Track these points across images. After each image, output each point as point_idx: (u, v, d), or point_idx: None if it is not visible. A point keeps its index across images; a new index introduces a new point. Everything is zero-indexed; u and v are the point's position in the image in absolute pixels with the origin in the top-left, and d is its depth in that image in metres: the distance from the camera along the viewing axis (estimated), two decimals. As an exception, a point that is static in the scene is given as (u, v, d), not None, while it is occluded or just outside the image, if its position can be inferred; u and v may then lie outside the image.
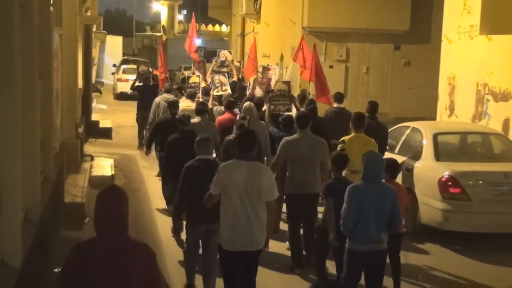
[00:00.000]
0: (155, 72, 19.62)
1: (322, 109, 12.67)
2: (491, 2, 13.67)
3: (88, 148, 16.58)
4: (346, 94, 20.60)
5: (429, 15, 20.79)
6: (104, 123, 20.47)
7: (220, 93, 14.11)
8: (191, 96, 13.47)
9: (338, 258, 7.28)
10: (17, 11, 5.66)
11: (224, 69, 15.76)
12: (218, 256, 6.87)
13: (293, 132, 9.07)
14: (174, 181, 8.62)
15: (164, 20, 63.84)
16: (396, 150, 11.26)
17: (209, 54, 32.87)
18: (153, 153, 11.85)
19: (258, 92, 13.31)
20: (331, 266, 7.92)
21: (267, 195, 6.23)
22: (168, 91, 14.97)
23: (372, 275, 6.60)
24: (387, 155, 11.14)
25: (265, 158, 9.86)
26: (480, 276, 8.65)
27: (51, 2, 9.11)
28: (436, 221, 9.85)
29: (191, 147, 7.56)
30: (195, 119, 10.35)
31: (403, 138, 11.40)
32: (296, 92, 15.64)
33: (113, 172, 13.64)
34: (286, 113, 11.38)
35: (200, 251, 7.62)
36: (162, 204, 11.21)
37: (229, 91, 14.29)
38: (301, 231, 8.68)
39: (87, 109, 19.20)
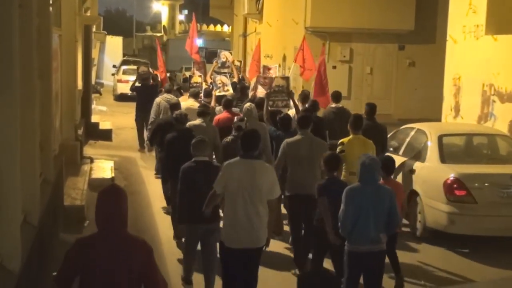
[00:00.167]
0: (155, 72, 19.64)
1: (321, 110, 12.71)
2: (497, 1, 13.67)
3: (88, 150, 16.59)
4: (350, 95, 20.67)
5: (434, 15, 20.77)
6: (104, 125, 20.49)
7: (222, 93, 14.15)
8: (195, 95, 13.65)
9: (337, 261, 7.33)
10: (16, 12, 5.67)
11: (225, 70, 15.81)
12: (218, 255, 7.07)
13: (291, 131, 9.41)
14: (173, 181, 8.73)
15: (164, 20, 63.98)
16: (401, 152, 11.28)
17: (210, 55, 32.87)
18: (153, 153, 11.89)
19: (261, 92, 13.33)
20: (329, 267, 7.93)
21: (268, 193, 6.45)
22: (168, 91, 15.04)
23: (371, 276, 6.70)
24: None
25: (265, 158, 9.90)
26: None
27: (50, 2, 9.12)
28: (442, 224, 9.85)
29: (189, 146, 7.74)
30: (197, 121, 10.43)
31: (407, 139, 11.40)
32: (297, 92, 15.65)
33: (113, 175, 13.66)
34: (284, 111, 11.47)
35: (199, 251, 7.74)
36: (163, 205, 11.27)
37: (231, 91, 14.35)
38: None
39: (86, 111, 19.21)
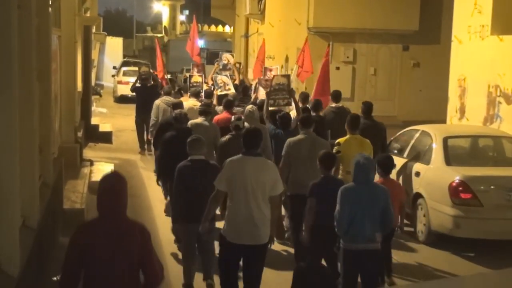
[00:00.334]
0: (155, 73, 19.69)
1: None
2: (503, 1, 13.66)
3: (88, 153, 16.60)
4: (353, 96, 20.63)
5: (438, 15, 20.75)
6: (104, 127, 20.50)
7: (224, 92, 14.24)
8: (196, 95, 13.76)
9: (330, 262, 7.50)
10: (15, 12, 5.68)
11: (226, 73, 15.89)
12: (215, 253, 7.41)
13: (290, 130, 9.72)
14: (171, 180, 8.78)
15: (165, 20, 64.03)
16: (405, 154, 11.28)
17: (211, 56, 32.86)
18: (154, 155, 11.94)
19: (263, 95, 13.37)
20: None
21: (271, 190, 6.62)
22: (167, 93, 15.08)
23: (367, 275, 6.80)
24: (395, 159, 11.18)
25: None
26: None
27: (50, 3, 9.13)
28: (447, 228, 9.84)
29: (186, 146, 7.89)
30: (199, 120, 10.61)
31: (412, 141, 11.40)
32: (299, 93, 15.70)
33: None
34: (286, 110, 11.55)
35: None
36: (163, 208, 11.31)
37: (233, 90, 14.42)
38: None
39: (86, 113, 19.23)
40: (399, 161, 11.20)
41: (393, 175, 10.70)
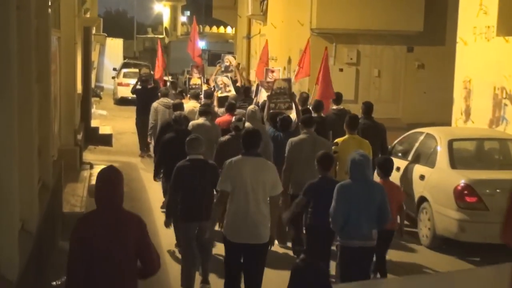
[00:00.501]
0: (156, 77, 19.75)
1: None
2: (509, 2, 13.64)
3: (87, 156, 16.62)
4: (357, 99, 20.59)
5: (443, 16, 20.73)
6: (104, 130, 20.51)
7: (225, 94, 14.29)
8: (195, 97, 13.85)
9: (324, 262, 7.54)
10: (14, 13, 5.69)
11: (228, 75, 15.94)
12: (211, 252, 7.80)
13: (290, 132, 9.95)
14: (168, 182, 8.94)
15: (166, 21, 63.96)
16: (409, 157, 11.27)
17: (213, 57, 32.88)
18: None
19: (265, 97, 13.41)
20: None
21: (271, 190, 6.82)
22: (165, 95, 15.18)
23: (362, 272, 6.92)
24: (400, 162, 11.17)
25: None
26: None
27: (49, 4, 9.15)
28: (452, 232, 9.83)
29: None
30: (200, 120, 10.74)
31: (416, 144, 11.39)
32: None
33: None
34: (287, 114, 11.63)
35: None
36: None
37: (233, 91, 14.47)
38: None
39: (86, 115, 19.25)
40: (403, 164, 11.20)
41: (397, 178, 10.75)
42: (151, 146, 16.19)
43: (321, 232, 7.49)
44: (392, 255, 9.32)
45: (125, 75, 32.75)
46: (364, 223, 6.83)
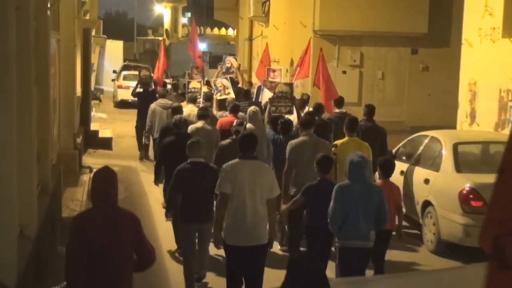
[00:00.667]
0: (155, 77, 19.80)
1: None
2: (514, 3, 13.66)
3: (87, 160, 16.62)
4: (361, 101, 20.57)
5: (448, 17, 20.73)
6: (103, 133, 20.51)
7: (224, 96, 14.32)
8: (193, 100, 13.93)
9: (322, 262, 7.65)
10: (12, 15, 5.70)
11: (229, 76, 15.96)
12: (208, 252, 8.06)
13: (290, 135, 10.12)
14: (168, 184, 9.04)
15: (167, 23, 64.00)
16: (414, 161, 11.26)
17: (214, 59, 32.89)
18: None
19: (268, 96, 13.47)
20: (330, 270, 7.99)
21: (268, 192, 6.93)
22: (162, 95, 15.27)
23: (359, 273, 7.00)
24: (404, 165, 11.17)
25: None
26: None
27: (48, 6, 9.17)
28: (457, 237, 9.81)
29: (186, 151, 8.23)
30: (198, 124, 10.80)
31: (421, 148, 11.39)
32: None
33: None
34: (287, 116, 11.75)
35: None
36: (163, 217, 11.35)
37: (233, 94, 14.51)
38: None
39: (85, 118, 19.26)
40: (407, 168, 11.19)
41: (401, 181, 10.75)
42: (150, 148, 16.32)
43: (320, 234, 7.58)
44: (395, 257, 9.35)
45: (125, 78, 32.75)
46: (362, 224, 6.99)
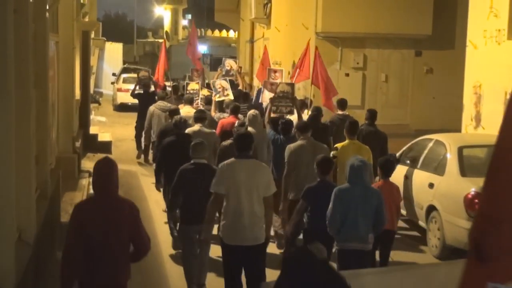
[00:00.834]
0: (155, 78, 19.86)
1: (326, 115, 13.02)
2: (520, 4, 13.65)
3: (86, 164, 16.62)
4: (364, 104, 20.57)
5: (452, 19, 20.71)
6: (103, 136, 20.51)
7: (222, 98, 14.37)
8: (190, 102, 14.01)
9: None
10: (11, 17, 5.71)
11: (228, 78, 16.05)
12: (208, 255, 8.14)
13: (291, 136, 10.27)
14: (169, 185, 9.14)
15: (167, 25, 64.05)
16: (418, 165, 11.25)
17: (215, 62, 32.92)
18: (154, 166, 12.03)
19: (269, 97, 13.51)
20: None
21: (265, 190, 7.03)
22: (161, 98, 15.37)
23: None
24: (408, 169, 11.17)
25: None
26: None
27: (47, 8, 9.18)
28: (462, 242, 9.79)
29: (186, 151, 8.34)
30: (195, 127, 10.84)
31: (425, 151, 11.38)
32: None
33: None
34: (287, 116, 11.82)
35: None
36: (165, 221, 11.36)
37: (231, 96, 14.57)
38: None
39: (85, 122, 19.29)
40: (412, 172, 11.19)
41: (405, 186, 10.75)
42: (149, 150, 16.40)
43: (319, 236, 7.56)
44: (398, 261, 9.36)
45: (124, 81, 32.72)
46: (361, 226, 7.11)
